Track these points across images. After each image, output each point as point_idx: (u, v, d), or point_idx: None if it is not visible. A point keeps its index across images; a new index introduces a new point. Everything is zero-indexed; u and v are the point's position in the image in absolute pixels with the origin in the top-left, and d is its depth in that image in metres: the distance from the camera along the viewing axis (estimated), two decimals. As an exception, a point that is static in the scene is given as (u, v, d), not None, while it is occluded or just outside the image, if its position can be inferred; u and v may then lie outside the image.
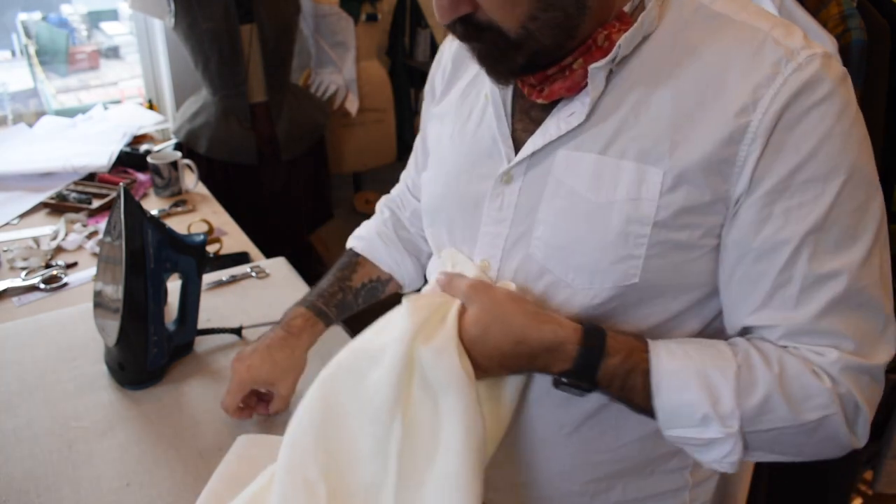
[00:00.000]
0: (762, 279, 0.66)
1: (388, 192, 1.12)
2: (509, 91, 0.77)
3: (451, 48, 0.89)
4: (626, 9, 0.68)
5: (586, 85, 0.68)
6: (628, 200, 0.67)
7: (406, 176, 1.08)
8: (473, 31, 0.66)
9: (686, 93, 0.65)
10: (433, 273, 0.85)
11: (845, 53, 1.60)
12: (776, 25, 0.66)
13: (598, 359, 0.67)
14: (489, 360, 0.69)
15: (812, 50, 0.63)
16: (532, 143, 0.72)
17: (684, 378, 0.65)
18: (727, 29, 0.66)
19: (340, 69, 2.66)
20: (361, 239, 1.07)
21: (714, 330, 0.75)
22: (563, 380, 0.69)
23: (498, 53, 0.67)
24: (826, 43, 1.48)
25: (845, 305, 0.64)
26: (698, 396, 0.65)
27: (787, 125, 0.62)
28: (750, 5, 0.69)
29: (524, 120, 0.75)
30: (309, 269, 2.18)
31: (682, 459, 0.81)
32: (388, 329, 0.71)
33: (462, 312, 0.71)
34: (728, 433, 0.64)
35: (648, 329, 0.72)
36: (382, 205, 1.11)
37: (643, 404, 0.68)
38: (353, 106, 2.73)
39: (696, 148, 0.64)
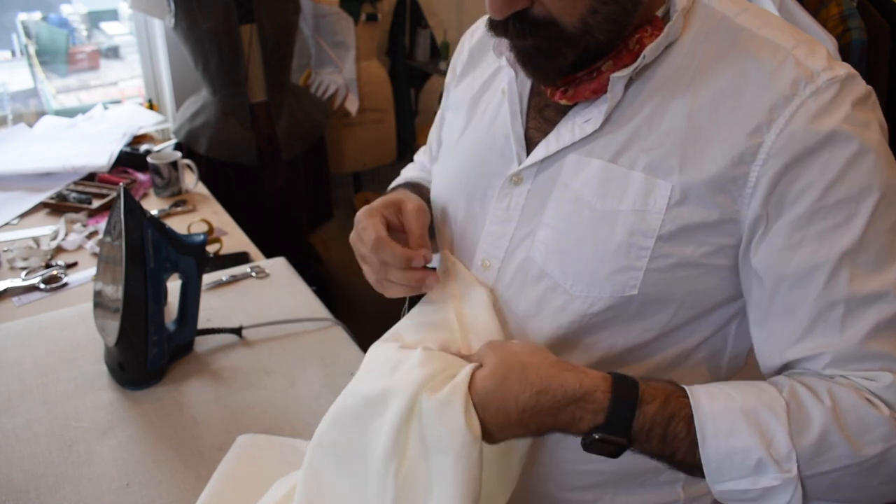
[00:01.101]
0: (800, 307, 0.62)
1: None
2: (526, 88, 0.76)
3: (471, 40, 0.88)
4: (659, 13, 0.67)
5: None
6: (634, 212, 0.66)
7: (423, 155, 1.05)
8: (529, 28, 0.64)
9: (701, 107, 0.64)
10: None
11: (845, 53, 1.60)
12: (800, 44, 0.64)
13: (634, 406, 0.61)
14: (506, 418, 0.63)
15: (833, 72, 0.61)
16: (545, 148, 0.71)
17: (732, 420, 0.60)
18: (749, 44, 0.64)
19: (340, 69, 2.66)
20: (408, 177, 1.00)
21: (712, 348, 0.73)
22: (595, 436, 0.61)
23: (551, 51, 0.65)
24: (826, 43, 1.48)
25: (894, 325, 0.60)
26: (750, 440, 0.59)
27: (809, 150, 0.60)
28: (775, 20, 0.67)
29: (537, 118, 0.75)
30: (309, 269, 2.19)
31: (673, 473, 0.77)
32: (398, 373, 0.67)
33: (476, 368, 0.65)
34: (786, 478, 0.59)
35: (645, 343, 0.71)
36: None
37: (688, 457, 0.62)
38: (353, 106, 2.73)
39: (706, 165, 0.63)
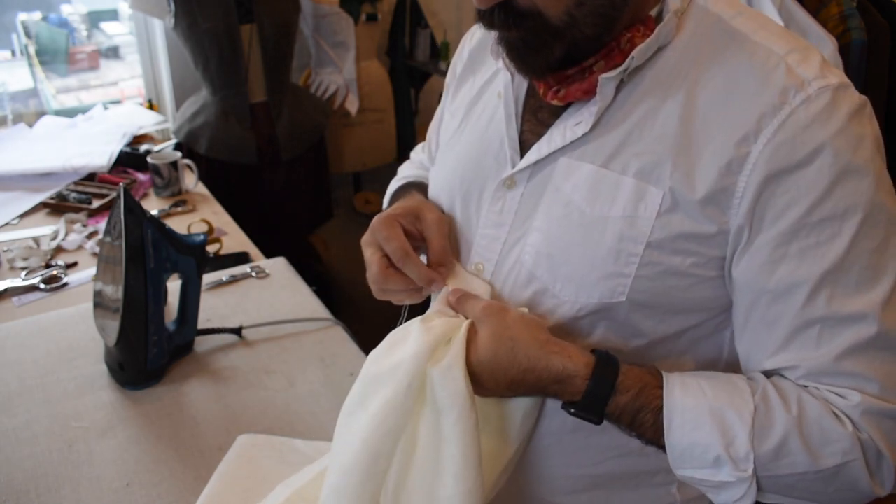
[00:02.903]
0: (780, 321, 0.63)
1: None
2: (522, 90, 0.75)
3: (471, 42, 0.88)
4: (653, 13, 0.66)
5: None
6: (624, 217, 0.65)
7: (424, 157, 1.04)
8: (513, 19, 0.63)
9: (693, 113, 0.63)
10: None
11: (845, 53, 1.60)
12: (794, 50, 0.63)
13: (608, 396, 0.65)
14: (496, 384, 0.68)
15: (825, 81, 0.60)
16: (537, 151, 0.71)
17: (697, 416, 0.63)
18: (742, 48, 0.63)
19: (340, 69, 2.66)
20: (410, 177, 1.00)
21: (707, 357, 0.73)
22: (571, 410, 0.67)
23: (537, 43, 0.64)
24: (826, 43, 1.48)
25: (870, 347, 0.61)
26: (711, 437, 0.62)
27: (796, 163, 0.60)
28: (771, 25, 0.66)
29: (532, 121, 0.74)
30: (309, 269, 2.19)
31: (667, 475, 0.77)
32: (402, 348, 0.70)
33: (473, 333, 0.69)
34: (741, 477, 0.62)
35: (636, 350, 0.71)
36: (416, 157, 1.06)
37: (654, 440, 0.66)
38: (353, 106, 2.73)
39: (696, 176, 0.63)
